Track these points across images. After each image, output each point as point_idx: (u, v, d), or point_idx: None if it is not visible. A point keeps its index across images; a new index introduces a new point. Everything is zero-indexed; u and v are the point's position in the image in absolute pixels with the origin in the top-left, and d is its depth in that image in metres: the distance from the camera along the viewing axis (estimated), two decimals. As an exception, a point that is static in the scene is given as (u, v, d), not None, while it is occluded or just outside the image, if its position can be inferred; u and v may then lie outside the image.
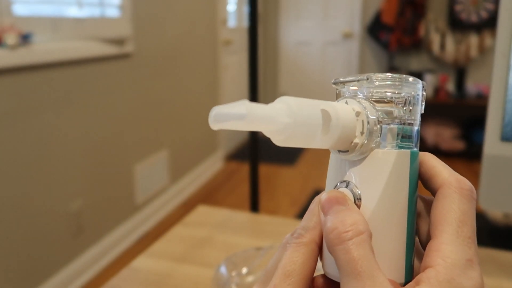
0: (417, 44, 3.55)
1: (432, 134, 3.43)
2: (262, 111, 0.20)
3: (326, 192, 0.23)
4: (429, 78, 3.44)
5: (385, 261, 0.23)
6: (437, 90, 3.47)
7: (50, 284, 1.60)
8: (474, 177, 2.85)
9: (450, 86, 3.56)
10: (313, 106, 0.21)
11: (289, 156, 3.44)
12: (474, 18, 3.37)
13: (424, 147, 2.81)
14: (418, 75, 3.46)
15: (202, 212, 0.79)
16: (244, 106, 0.19)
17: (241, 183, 2.90)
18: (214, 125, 0.20)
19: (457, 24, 3.43)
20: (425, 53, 3.63)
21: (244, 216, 0.79)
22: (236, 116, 0.19)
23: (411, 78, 0.24)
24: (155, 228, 2.26)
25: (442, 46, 3.48)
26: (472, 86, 3.48)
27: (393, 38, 3.51)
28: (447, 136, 3.43)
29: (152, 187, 2.28)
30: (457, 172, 0.24)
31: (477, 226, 0.22)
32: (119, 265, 1.88)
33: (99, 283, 1.76)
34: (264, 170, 2.96)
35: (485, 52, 3.42)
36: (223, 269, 0.51)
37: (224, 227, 0.73)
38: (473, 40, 3.39)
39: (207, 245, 0.67)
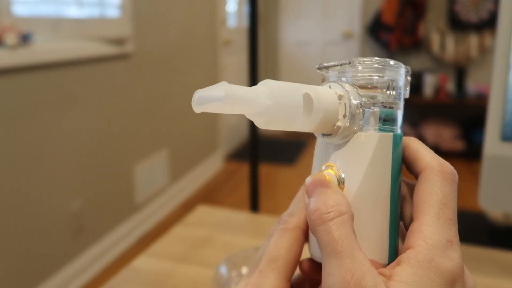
0: (417, 44, 3.55)
1: (432, 134, 3.43)
2: (242, 92, 0.20)
3: (311, 176, 0.23)
4: (429, 78, 3.44)
5: (368, 243, 0.23)
6: (437, 90, 3.47)
7: (50, 284, 1.60)
8: (474, 177, 2.85)
9: (450, 86, 3.56)
10: (295, 89, 0.21)
11: (289, 156, 3.43)
12: (474, 18, 3.37)
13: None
14: (418, 75, 3.46)
15: (202, 212, 0.78)
16: (224, 87, 0.19)
17: (241, 183, 2.90)
18: (197, 108, 0.20)
19: (457, 24, 3.44)
20: (425, 53, 3.63)
21: (244, 216, 0.79)
22: (216, 98, 0.19)
23: (392, 62, 0.24)
24: (155, 228, 2.26)
25: (442, 46, 3.48)
26: (472, 86, 3.48)
27: (393, 38, 3.51)
28: (447, 136, 3.43)
29: (152, 187, 2.28)
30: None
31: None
32: (119, 265, 1.88)
33: (99, 283, 1.76)
34: (264, 170, 2.96)
35: (485, 52, 3.42)
36: (223, 269, 0.51)
37: (224, 227, 0.73)
38: (473, 40, 3.38)
39: (207, 245, 0.67)
